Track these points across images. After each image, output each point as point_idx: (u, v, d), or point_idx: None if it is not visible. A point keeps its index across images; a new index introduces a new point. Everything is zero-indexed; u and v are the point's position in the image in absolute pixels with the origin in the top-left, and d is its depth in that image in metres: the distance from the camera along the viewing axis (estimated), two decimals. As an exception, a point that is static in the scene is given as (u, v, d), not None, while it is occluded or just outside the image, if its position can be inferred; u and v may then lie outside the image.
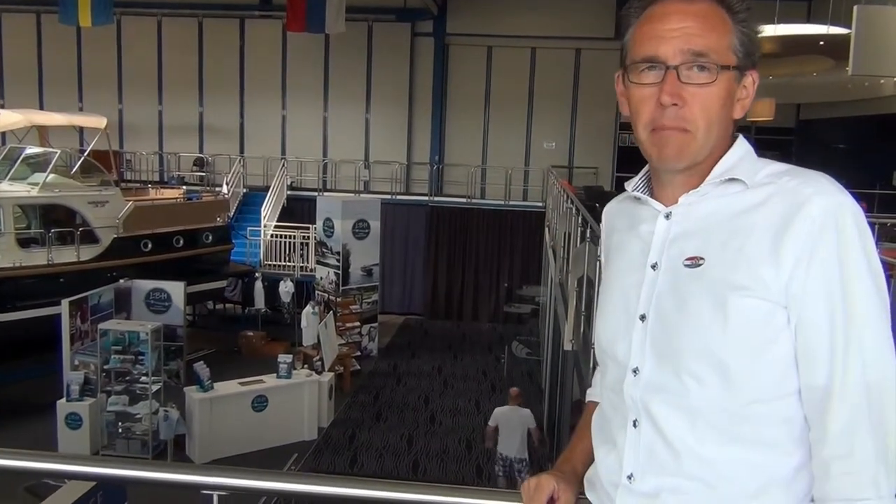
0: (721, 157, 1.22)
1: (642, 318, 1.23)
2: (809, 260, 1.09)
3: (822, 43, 11.76)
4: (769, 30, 11.09)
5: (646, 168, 1.33)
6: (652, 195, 1.30)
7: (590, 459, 1.39)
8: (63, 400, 10.39)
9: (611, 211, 1.45)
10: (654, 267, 1.24)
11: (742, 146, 1.24)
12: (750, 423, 1.14)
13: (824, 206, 1.09)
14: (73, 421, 10.25)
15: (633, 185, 1.35)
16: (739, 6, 1.20)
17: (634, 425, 1.23)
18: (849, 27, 9.58)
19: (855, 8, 9.25)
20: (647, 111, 1.20)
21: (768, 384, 1.13)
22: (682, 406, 1.17)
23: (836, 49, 11.01)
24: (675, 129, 1.18)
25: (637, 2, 1.24)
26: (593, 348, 1.66)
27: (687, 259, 1.19)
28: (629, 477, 1.23)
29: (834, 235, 1.09)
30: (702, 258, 1.18)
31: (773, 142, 18.31)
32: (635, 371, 1.23)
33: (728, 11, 1.19)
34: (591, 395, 1.54)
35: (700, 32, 1.17)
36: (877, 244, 1.15)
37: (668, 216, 1.25)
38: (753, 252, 1.13)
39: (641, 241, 1.28)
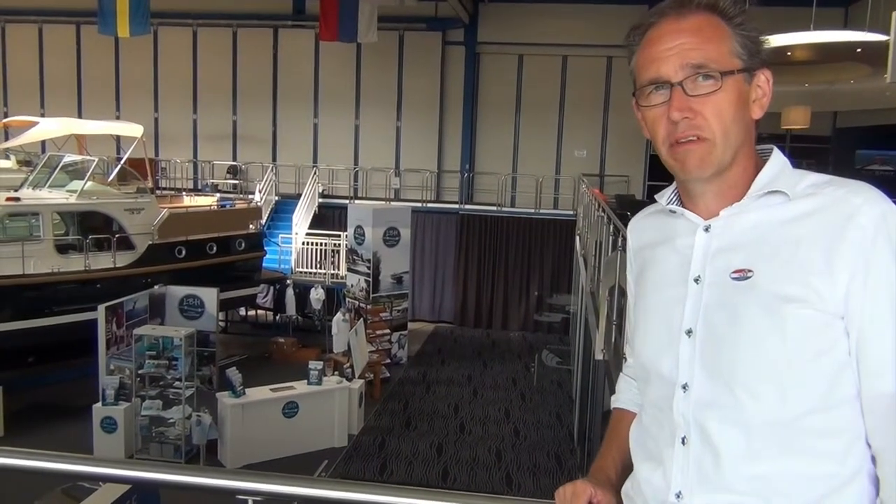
0: (747, 163, 1.22)
1: (689, 332, 1.21)
2: (866, 271, 1.09)
3: (859, 50, 11.56)
4: (805, 37, 10.94)
5: (675, 182, 1.32)
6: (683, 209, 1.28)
7: (622, 468, 1.38)
8: (99, 404, 10.56)
9: (638, 226, 1.43)
10: (696, 280, 1.22)
11: (778, 158, 1.23)
12: (804, 435, 1.13)
13: (874, 215, 1.10)
14: (109, 425, 10.41)
15: (665, 198, 1.33)
16: (733, 11, 1.20)
17: (683, 442, 1.20)
18: (887, 34, 9.42)
19: (893, 14, 9.09)
20: (661, 129, 1.22)
21: (823, 394, 1.12)
22: (736, 421, 1.15)
23: (873, 56, 10.82)
24: (691, 141, 1.18)
25: (635, 31, 1.25)
26: (624, 358, 1.64)
27: (734, 272, 1.17)
28: (677, 495, 1.21)
29: (887, 245, 1.09)
30: (751, 270, 1.16)
31: (809, 150, 18.03)
32: (685, 387, 1.20)
33: (723, 18, 1.19)
34: (616, 401, 1.52)
35: (696, 45, 1.17)
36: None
37: (707, 229, 1.23)
38: (805, 263, 1.12)
39: (679, 254, 1.26)
